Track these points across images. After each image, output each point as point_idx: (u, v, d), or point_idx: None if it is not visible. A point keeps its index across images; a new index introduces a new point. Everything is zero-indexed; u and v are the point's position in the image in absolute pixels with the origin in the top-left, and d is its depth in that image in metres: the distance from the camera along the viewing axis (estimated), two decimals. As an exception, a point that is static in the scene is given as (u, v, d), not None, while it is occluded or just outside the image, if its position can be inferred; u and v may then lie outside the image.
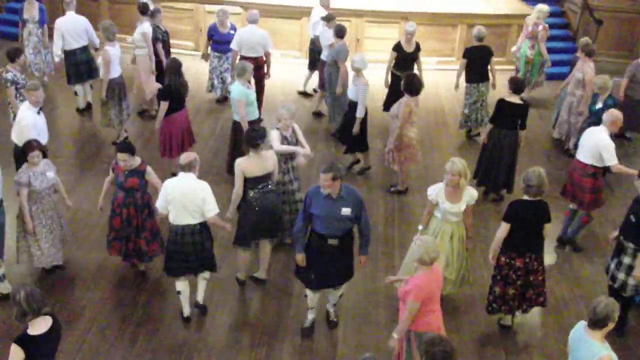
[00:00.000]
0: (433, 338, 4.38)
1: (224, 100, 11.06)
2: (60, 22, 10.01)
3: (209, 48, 10.77)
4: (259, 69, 9.92)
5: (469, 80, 10.01)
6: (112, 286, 6.96)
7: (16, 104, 8.45)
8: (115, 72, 9.21)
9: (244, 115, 8.22)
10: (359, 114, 8.63)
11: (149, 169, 6.73)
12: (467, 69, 9.97)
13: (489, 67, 9.91)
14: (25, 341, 4.51)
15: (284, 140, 7.16)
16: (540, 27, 10.82)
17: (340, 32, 9.67)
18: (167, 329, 6.42)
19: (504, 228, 6.11)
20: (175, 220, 6.13)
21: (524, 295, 6.30)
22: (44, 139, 7.38)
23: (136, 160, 6.64)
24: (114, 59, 9.10)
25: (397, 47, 9.97)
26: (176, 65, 8.32)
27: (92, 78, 10.36)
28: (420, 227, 6.55)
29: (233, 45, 10.02)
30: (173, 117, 8.38)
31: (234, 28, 10.54)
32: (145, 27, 9.86)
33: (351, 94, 8.85)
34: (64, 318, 6.06)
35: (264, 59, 10.15)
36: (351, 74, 9.00)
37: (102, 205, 6.88)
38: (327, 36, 9.99)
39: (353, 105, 8.74)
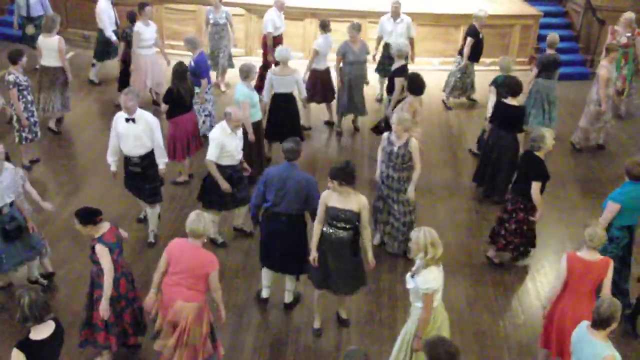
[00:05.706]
0: (434, 339, 4.28)
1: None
2: None
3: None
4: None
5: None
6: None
7: (19, 106, 8.48)
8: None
9: (248, 117, 8.22)
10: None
11: (98, 247, 5.40)
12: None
13: None
14: (26, 346, 4.49)
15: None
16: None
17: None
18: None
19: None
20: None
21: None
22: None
23: (94, 230, 5.44)
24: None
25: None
26: (181, 70, 8.34)
27: None
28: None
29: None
30: (177, 120, 8.39)
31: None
32: None
33: None
34: (67, 321, 6.05)
35: None
36: None
37: None
38: None
39: None
